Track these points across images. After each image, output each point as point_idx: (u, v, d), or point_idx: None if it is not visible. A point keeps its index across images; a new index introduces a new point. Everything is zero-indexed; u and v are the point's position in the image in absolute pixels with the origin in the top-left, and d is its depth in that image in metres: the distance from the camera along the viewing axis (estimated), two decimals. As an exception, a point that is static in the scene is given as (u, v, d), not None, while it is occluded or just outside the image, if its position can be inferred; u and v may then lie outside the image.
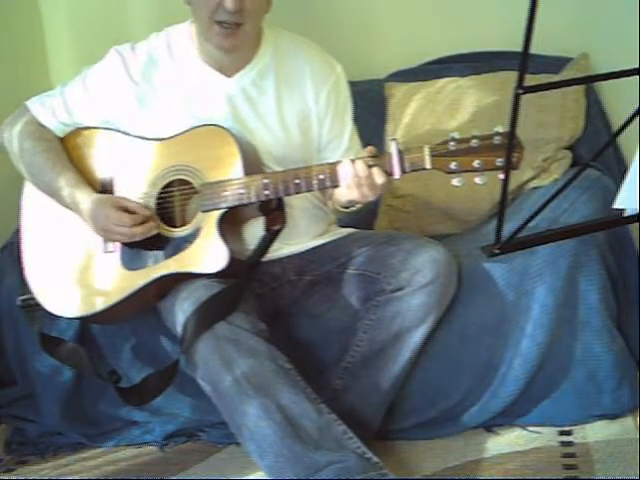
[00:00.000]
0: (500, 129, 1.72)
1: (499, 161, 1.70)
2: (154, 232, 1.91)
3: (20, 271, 2.07)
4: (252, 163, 1.91)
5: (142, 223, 1.89)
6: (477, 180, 1.72)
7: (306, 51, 2.01)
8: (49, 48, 2.90)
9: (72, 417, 2.19)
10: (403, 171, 1.76)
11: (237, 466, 2.01)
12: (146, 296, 1.94)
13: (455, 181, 1.73)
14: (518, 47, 1.14)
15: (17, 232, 2.16)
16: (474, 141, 1.72)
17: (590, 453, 1.88)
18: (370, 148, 1.81)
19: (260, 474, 1.86)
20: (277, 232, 1.94)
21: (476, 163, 1.71)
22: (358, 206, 1.88)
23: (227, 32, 1.86)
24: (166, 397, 2.04)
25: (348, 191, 1.79)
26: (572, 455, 1.89)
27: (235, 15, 1.83)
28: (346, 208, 1.92)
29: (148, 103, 1.98)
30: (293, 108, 1.99)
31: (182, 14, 2.05)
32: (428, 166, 1.74)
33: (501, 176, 1.65)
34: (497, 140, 1.71)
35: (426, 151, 1.74)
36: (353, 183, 1.77)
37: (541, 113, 2.37)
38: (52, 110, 2.03)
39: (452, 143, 1.73)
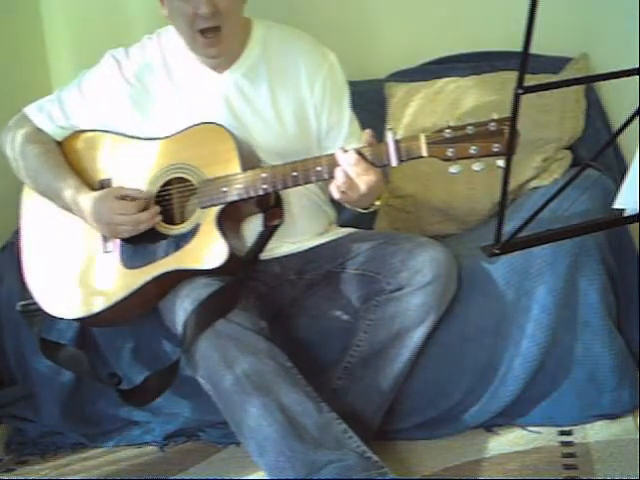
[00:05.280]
0: (495, 116, 1.70)
1: (495, 147, 1.69)
2: (158, 219, 1.92)
3: (20, 273, 2.07)
4: (250, 159, 1.92)
5: (145, 209, 1.91)
6: (475, 167, 1.71)
7: (297, 42, 2.01)
8: (49, 49, 2.90)
9: (72, 417, 2.19)
10: (400, 159, 1.75)
11: (237, 466, 2.01)
12: (146, 295, 1.94)
13: (452, 169, 1.72)
14: (518, 47, 1.13)
15: (17, 232, 2.16)
16: (470, 128, 1.71)
17: (590, 453, 1.88)
18: (367, 137, 1.78)
19: (260, 474, 1.86)
20: (275, 227, 1.95)
21: (472, 149, 1.70)
22: (377, 203, 1.88)
23: (211, 41, 1.87)
24: (166, 397, 2.04)
25: (342, 180, 1.75)
26: (572, 455, 1.89)
27: (212, 19, 1.84)
28: (365, 209, 1.91)
29: (142, 103, 1.99)
30: (288, 100, 1.98)
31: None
32: (425, 154, 1.74)
33: (499, 162, 1.66)
34: (492, 126, 1.69)
35: (422, 139, 1.74)
36: (348, 171, 1.74)
37: (541, 113, 2.37)
38: (49, 114, 2.05)
39: (448, 131, 1.72)
